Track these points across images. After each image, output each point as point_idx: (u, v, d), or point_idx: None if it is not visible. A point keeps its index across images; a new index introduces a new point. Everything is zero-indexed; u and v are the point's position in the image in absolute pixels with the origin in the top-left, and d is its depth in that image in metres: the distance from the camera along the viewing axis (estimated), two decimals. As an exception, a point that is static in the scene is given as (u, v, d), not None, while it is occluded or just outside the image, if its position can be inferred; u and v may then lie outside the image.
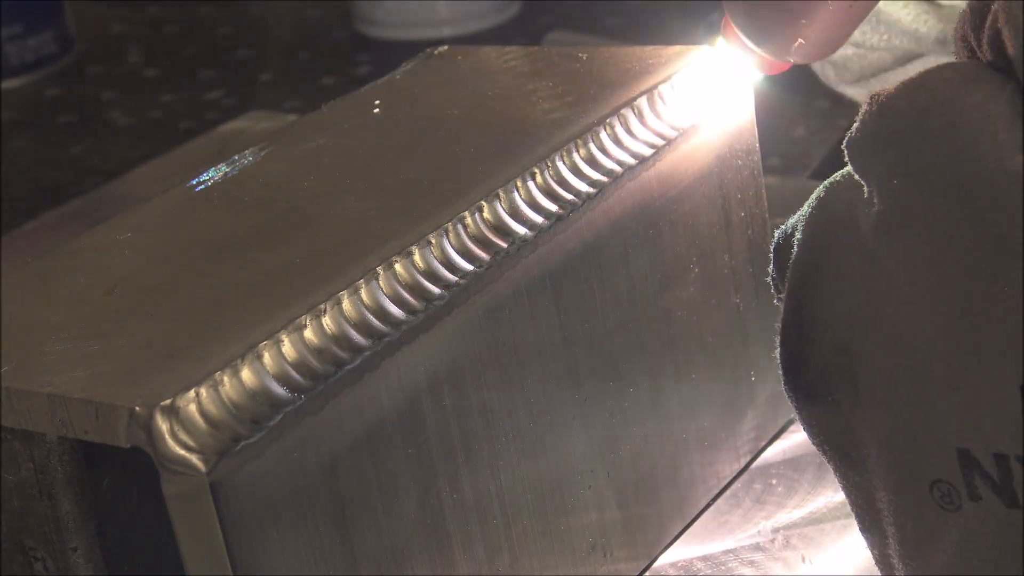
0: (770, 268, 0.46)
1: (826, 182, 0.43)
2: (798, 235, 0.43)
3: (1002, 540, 0.38)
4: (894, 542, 0.42)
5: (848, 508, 0.44)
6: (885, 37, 0.73)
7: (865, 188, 0.41)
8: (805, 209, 0.43)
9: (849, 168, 0.42)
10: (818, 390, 0.43)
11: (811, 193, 0.43)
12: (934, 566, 0.40)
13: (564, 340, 0.50)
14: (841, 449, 0.43)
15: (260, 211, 0.50)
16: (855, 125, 0.41)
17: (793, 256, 0.43)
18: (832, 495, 0.56)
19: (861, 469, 0.43)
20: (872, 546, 0.44)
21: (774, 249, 0.45)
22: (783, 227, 0.45)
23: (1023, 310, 0.37)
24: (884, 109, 0.40)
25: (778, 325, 0.44)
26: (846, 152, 0.41)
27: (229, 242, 0.48)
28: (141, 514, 0.44)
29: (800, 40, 0.49)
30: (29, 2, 1.15)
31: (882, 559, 0.43)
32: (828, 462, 0.44)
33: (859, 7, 0.48)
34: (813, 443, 0.45)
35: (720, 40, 0.54)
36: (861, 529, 0.44)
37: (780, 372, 0.45)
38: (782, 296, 0.45)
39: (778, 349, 0.44)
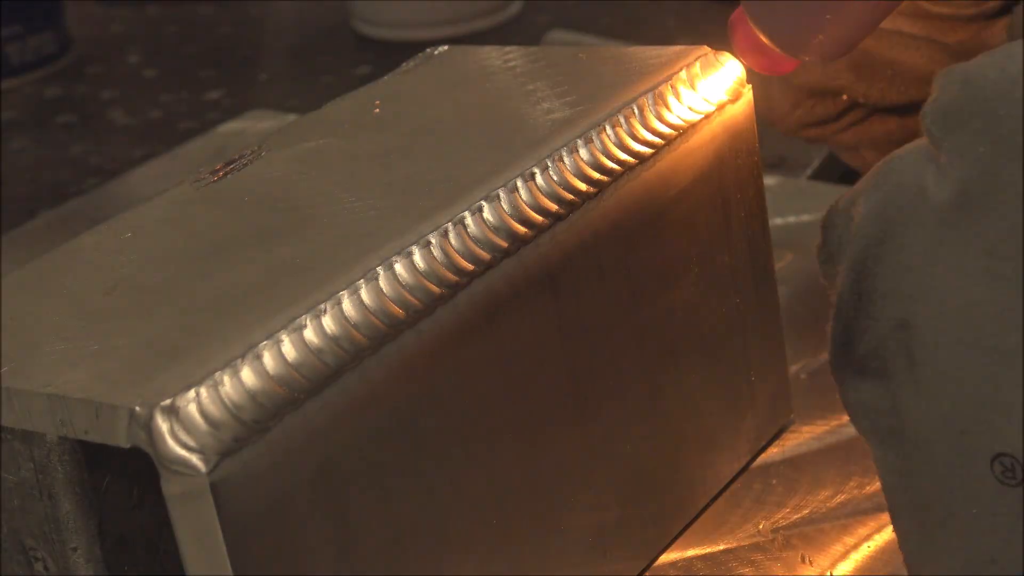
0: (818, 242, 0.45)
1: (890, 156, 0.43)
2: (860, 208, 0.43)
3: None
4: (933, 527, 0.41)
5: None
6: None
7: (943, 157, 0.41)
8: (866, 183, 0.43)
9: (917, 142, 0.42)
10: (870, 365, 0.43)
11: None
12: (985, 547, 0.40)
13: (564, 340, 0.50)
14: (885, 428, 0.43)
15: (260, 211, 0.50)
16: (933, 95, 0.41)
17: (854, 229, 0.43)
18: (832, 495, 0.56)
19: (902, 450, 0.42)
20: (901, 535, 0.43)
21: (824, 224, 0.45)
22: (836, 201, 0.45)
23: None
24: (970, 77, 0.40)
25: (834, 298, 0.44)
26: (924, 121, 0.41)
27: (229, 242, 0.48)
28: (141, 514, 0.44)
29: (820, 36, 0.49)
30: (29, 2, 1.15)
31: (911, 549, 0.43)
32: (867, 443, 0.44)
33: (884, 7, 0.48)
34: (854, 423, 0.44)
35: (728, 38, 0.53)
36: (892, 517, 0.44)
37: (830, 346, 0.44)
38: (829, 271, 0.44)
39: (831, 322, 0.44)
